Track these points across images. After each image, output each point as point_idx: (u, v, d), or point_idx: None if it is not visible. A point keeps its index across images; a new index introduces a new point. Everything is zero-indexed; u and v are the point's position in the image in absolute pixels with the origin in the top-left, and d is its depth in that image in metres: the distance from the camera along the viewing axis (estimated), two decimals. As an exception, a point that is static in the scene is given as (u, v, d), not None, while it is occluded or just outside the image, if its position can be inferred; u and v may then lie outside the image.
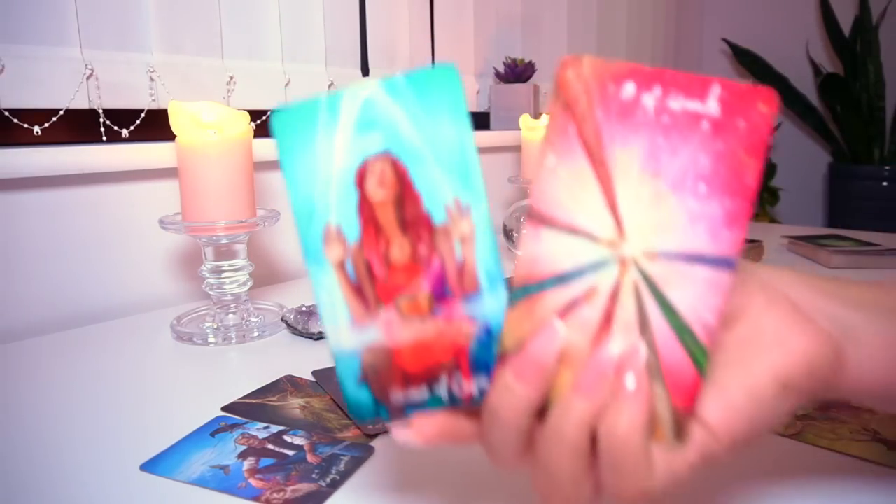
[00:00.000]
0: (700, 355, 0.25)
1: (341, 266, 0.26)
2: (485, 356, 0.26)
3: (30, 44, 0.76)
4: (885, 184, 2.08)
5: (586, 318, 0.25)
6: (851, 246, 1.03)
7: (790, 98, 2.25)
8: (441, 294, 0.26)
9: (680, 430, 0.25)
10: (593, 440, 0.25)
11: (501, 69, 1.41)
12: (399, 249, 0.26)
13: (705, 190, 0.24)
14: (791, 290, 0.28)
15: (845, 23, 2.16)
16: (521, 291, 0.25)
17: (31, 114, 0.76)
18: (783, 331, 0.26)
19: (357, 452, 0.44)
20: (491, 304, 0.26)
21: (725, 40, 2.40)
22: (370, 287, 0.26)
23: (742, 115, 0.24)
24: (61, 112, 0.78)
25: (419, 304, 0.26)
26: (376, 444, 0.45)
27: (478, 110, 1.45)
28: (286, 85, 1.02)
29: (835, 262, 0.97)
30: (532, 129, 1.09)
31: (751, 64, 2.33)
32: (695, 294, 0.25)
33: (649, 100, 0.24)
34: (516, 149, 1.19)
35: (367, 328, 0.27)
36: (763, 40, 2.35)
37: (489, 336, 0.26)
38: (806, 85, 2.29)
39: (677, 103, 0.24)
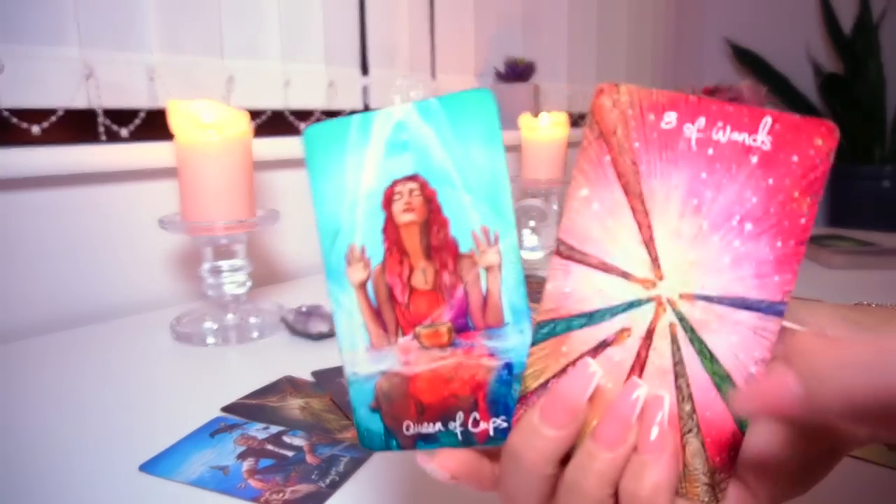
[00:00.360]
0: None
1: (362, 288, 0.26)
2: (504, 394, 0.25)
3: (29, 44, 0.75)
4: (885, 184, 2.07)
5: (616, 360, 0.24)
6: (851, 246, 1.02)
7: (790, 98, 2.25)
8: (462, 325, 0.25)
9: (715, 489, 0.23)
10: (616, 495, 0.23)
11: (501, 69, 1.41)
12: (422, 275, 0.25)
13: (752, 229, 0.22)
14: (828, 327, 0.26)
15: (846, 22, 2.16)
16: (547, 328, 0.24)
17: (31, 114, 0.76)
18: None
19: (356, 453, 0.44)
20: (514, 340, 0.25)
21: (726, 40, 2.40)
22: (390, 312, 0.26)
23: (796, 150, 0.22)
24: (60, 112, 0.78)
25: (439, 334, 0.25)
26: (376, 444, 0.45)
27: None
28: (286, 85, 1.02)
29: (835, 262, 0.97)
30: (532, 129, 1.09)
31: (751, 64, 2.33)
32: (738, 341, 0.23)
33: (692, 131, 0.22)
34: (516, 149, 1.19)
35: (384, 354, 0.26)
36: (763, 40, 2.34)
37: (510, 373, 0.25)
38: (806, 85, 2.28)
39: (723, 135, 0.22)
